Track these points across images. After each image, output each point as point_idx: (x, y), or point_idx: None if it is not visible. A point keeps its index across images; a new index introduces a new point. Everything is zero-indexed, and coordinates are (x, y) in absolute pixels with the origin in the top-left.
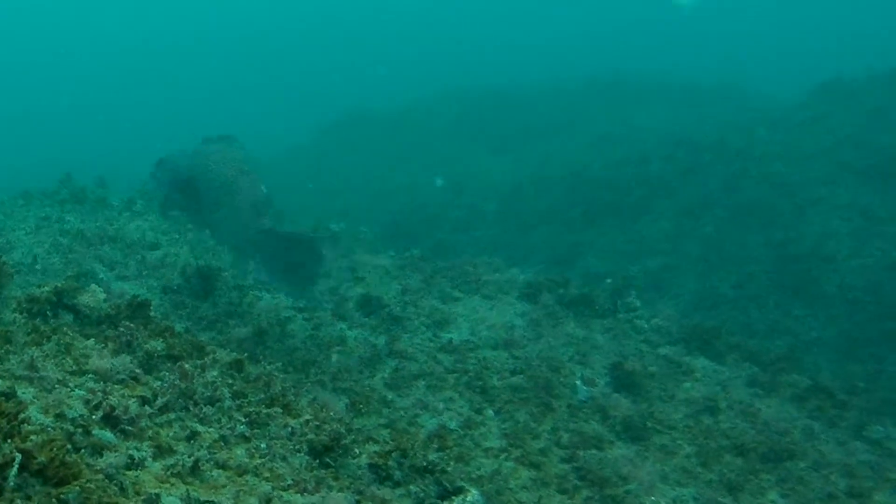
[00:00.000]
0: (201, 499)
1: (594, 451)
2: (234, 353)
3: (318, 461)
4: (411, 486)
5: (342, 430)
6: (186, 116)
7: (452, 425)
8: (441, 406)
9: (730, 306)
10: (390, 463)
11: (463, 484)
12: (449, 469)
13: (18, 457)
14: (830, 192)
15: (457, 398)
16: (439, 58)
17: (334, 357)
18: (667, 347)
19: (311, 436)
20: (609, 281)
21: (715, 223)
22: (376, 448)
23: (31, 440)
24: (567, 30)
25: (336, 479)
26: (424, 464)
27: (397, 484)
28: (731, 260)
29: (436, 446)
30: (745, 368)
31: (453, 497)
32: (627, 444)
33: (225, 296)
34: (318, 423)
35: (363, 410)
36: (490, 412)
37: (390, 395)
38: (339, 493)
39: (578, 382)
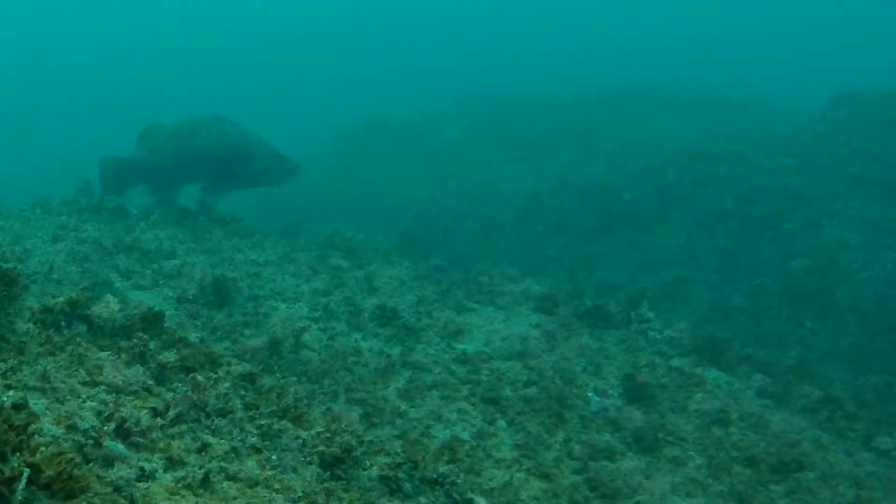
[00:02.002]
0: None
1: (605, 463)
2: (248, 365)
3: (328, 473)
4: (421, 499)
5: (353, 442)
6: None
7: (465, 436)
8: (454, 417)
9: (743, 317)
10: (401, 475)
11: (473, 496)
12: (459, 481)
13: (27, 471)
14: (844, 205)
15: (470, 409)
16: (457, 66)
17: (349, 368)
18: (679, 359)
19: (321, 448)
20: (624, 292)
21: (729, 235)
22: (387, 460)
23: (41, 452)
24: (585, 40)
25: (347, 491)
26: (435, 476)
27: (407, 496)
28: (744, 272)
29: (446, 458)
30: (756, 380)
31: None
32: (638, 455)
33: (241, 306)
34: (329, 434)
35: (376, 422)
36: (503, 423)
37: (404, 406)
38: None
39: (591, 394)
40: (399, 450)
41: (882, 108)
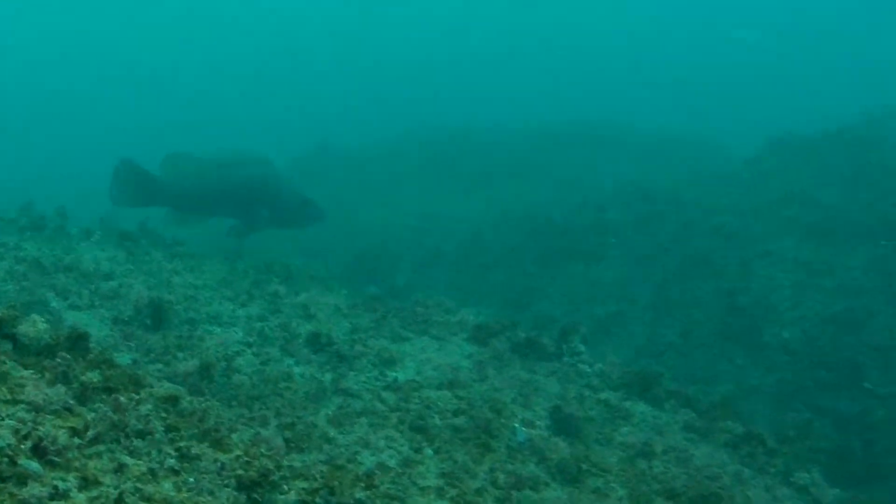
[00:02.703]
0: None
1: (529, 492)
2: (172, 387)
3: (245, 496)
4: None
5: (271, 467)
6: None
7: (391, 463)
8: (382, 444)
9: (676, 353)
10: (318, 500)
11: None
12: None
13: None
14: (777, 246)
15: (398, 437)
16: (411, 96)
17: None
18: (608, 392)
19: (240, 471)
20: (557, 325)
21: (665, 272)
22: (305, 485)
23: None
24: (535, 75)
25: None
26: (351, 502)
27: None
28: (678, 308)
29: (363, 485)
30: (683, 414)
31: None
32: (562, 485)
33: (176, 328)
34: (248, 458)
35: (304, 447)
36: (429, 451)
37: (332, 432)
38: None
39: (517, 425)
40: (318, 475)
41: (818, 152)
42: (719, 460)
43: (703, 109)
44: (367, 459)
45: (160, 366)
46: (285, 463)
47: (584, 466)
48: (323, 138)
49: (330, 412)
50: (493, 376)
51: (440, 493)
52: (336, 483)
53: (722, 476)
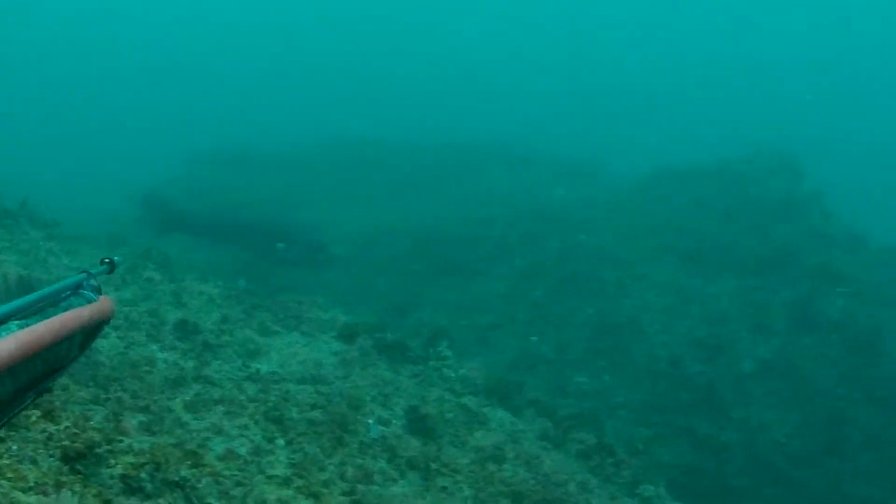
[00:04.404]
0: None
1: (375, 487)
2: None
3: (68, 467)
4: (161, 500)
5: (98, 439)
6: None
7: (241, 451)
8: (234, 432)
9: (548, 367)
10: (142, 475)
11: (211, 501)
12: (200, 486)
13: None
14: (651, 270)
15: (252, 426)
16: (324, 105)
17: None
18: (469, 397)
19: (66, 442)
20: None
21: (545, 289)
22: (131, 460)
23: None
24: (443, 92)
25: (85, 486)
26: (176, 479)
27: (148, 496)
28: (554, 324)
29: (189, 463)
30: (539, 423)
31: None
32: (409, 482)
33: None
34: (76, 430)
35: (155, 430)
36: (281, 442)
37: (186, 418)
38: (73, 497)
39: (371, 421)
40: (146, 451)
41: (698, 184)
42: (568, 468)
43: (600, 136)
44: (218, 446)
45: None
46: (115, 438)
47: (434, 466)
48: (233, 142)
49: (188, 398)
50: (356, 374)
51: (287, 482)
52: (162, 459)
53: (568, 483)
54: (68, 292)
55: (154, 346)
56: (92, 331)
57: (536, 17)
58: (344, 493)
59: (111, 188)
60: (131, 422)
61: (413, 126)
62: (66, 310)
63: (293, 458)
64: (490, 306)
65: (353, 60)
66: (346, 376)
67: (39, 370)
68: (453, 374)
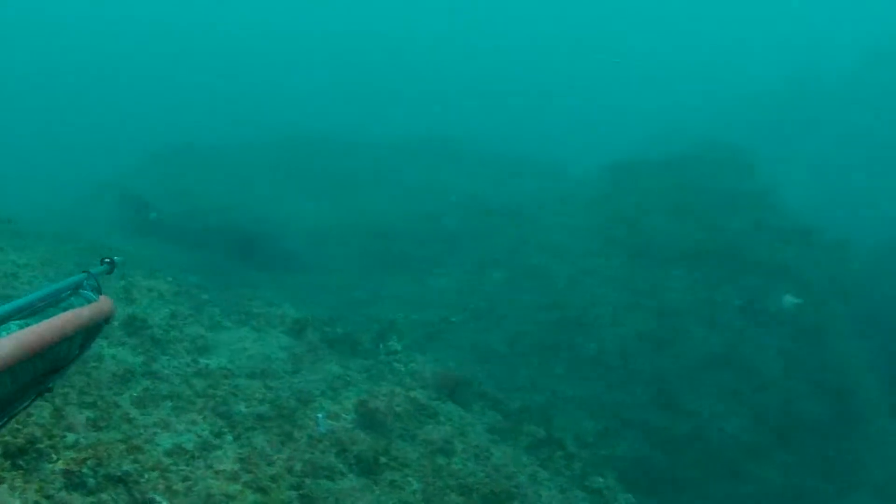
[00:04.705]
0: None
1: (324, 482)
2: None
3: (10, 462)
4: (103, 495)
5: (38, 435)
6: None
7: (188, 446)
8: (182, 427)
9: (500, 361)
10: (84, 470)
11: (154, 495)
12: (143, 481)
13: None
14: (602, 265)
15: (200, 421)
16: (272, 98)
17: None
18: (419, 391)
19: (7, 437)
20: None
21: (496, 283)
22: (74, 455)
23: None
24: (396, 88)
25: (26, 481)
26: (119, 474)
27: (90, 492)
28: (506, 318)
29: (132, 458)
30: (489, 416)
31: None
32: (358, 476)
33: None
34: (17, 426)
35: (102, 425)
36: (229, 437)
37: (134, 413)
38: (13, 493)
39: (320, 416)
40: (89, 447)
41: (644, 180)
42: (518, 461)
43: (551, 131)
44: (165, 441)
45: None
46: (56, 433)
47: (384, 459)
48: (183, 136)
49: (135, 393)
50: (306, 369)
51: (234, 477)
52: (105, 454)
53: (518, 475)
54: (68, 292)
55: (102, 342)
56: (92, 330)
57: (490, 16)
58: (292, 488)
59: (68, 185)
60: (78, 417)
61: (363, 124)
62: (66, 310)
63: (241, 453)
64: (440, 301)
65: (306, 61)
66: (296, 371)
67: (40, 369)
68: (403, 368)
